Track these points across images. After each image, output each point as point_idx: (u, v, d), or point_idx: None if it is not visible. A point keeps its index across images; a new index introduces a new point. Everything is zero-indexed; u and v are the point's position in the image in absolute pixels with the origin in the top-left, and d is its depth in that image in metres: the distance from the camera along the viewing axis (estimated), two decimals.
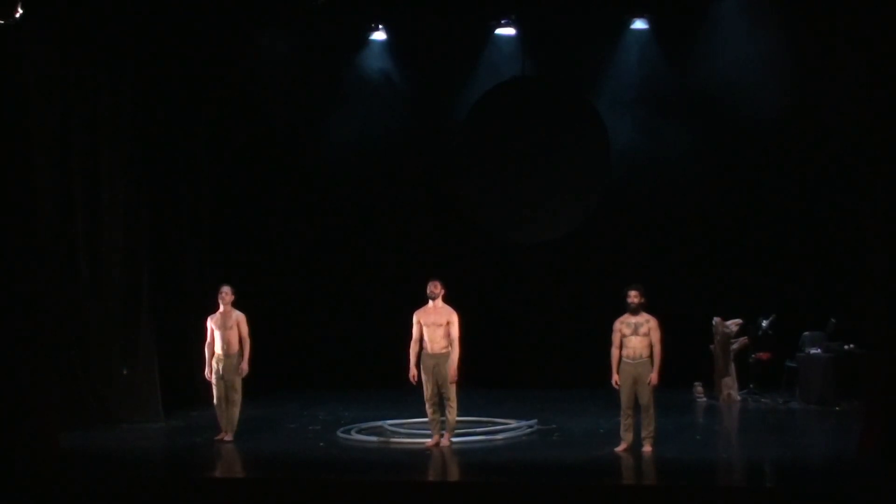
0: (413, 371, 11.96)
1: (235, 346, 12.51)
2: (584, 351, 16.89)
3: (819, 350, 14.50)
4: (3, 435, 11.31)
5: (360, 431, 12.66)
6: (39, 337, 11.84)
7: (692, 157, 16.61)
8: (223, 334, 12.53)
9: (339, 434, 12.62)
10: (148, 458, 12.13)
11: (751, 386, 15.17)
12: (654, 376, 11.38)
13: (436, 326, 11.95)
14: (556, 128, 16.98)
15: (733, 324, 15.10)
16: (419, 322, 12.02)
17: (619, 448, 11.44)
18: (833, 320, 14.69)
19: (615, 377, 11.59)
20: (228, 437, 12.51)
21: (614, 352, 11.62)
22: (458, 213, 17.28)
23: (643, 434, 11.45)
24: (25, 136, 12.08)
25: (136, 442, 12.66)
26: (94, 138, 13.80)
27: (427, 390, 11.92)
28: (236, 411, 12.59)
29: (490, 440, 12.27)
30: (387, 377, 16.92)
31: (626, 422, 11.50)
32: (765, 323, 15.16)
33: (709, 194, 16.69)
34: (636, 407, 11.48)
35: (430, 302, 12.04)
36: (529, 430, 12.73)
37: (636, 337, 11.51)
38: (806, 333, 14.82)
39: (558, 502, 9.66)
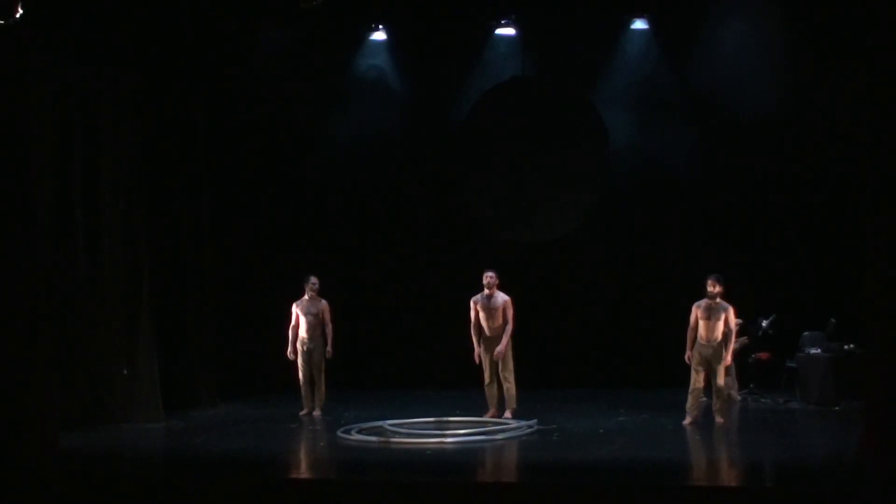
0: (478, 350, 13.39)
1: (319, 331, 14.04)
2: (584, 351, 16.97)
3: (819, 350, 14.49)
4: (3, 435, 11.32)
5: (360, 431, 12.65)
6: (39, 337, 11.85)
7: (692, 157, 16.60)
8: (308, 320, 14.01)
9: (339, 434, 12.62)
10: (148, 458, 12.13)
11: (751, 386, 15.17)
12: (727, 357, 12.93)
13: (493, 311, 13.31)
14: (556, 128, 16.96)
15: (733, 324, 15.08)
16: (476, 308, 13.37)
17: (686, 422, 12.85)
18: (833, 320, 14.68)
19: (688, 353, 12.91)
20: (317, 412, 14.03)
21: (690, 332, 12.93)
22: (457, 212, 17.28)
23: (714, 408, 13.01)
24: (25, 136, 12.10)
25: (136, 442, 12.67)
26: (94, 138, 13.79)
27: (486, 371, 13.40)
28: (323, 389, 14.14)
29: (490, 440, 12.27)
30: (387, 377, 17.00)
31: (692, 399, 12.87)
32: (765, 323, 15.14)
33: (708, 194, 16.68)
34: (706, 386, 12.97)
35: (486, 290, 13.34)
36: (529, 430, 12.72)
37: (710, 321, 12.82)
38: (806, 333, 14.81)
39: (558, 502, 9.65)
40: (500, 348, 13.26)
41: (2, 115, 11.84)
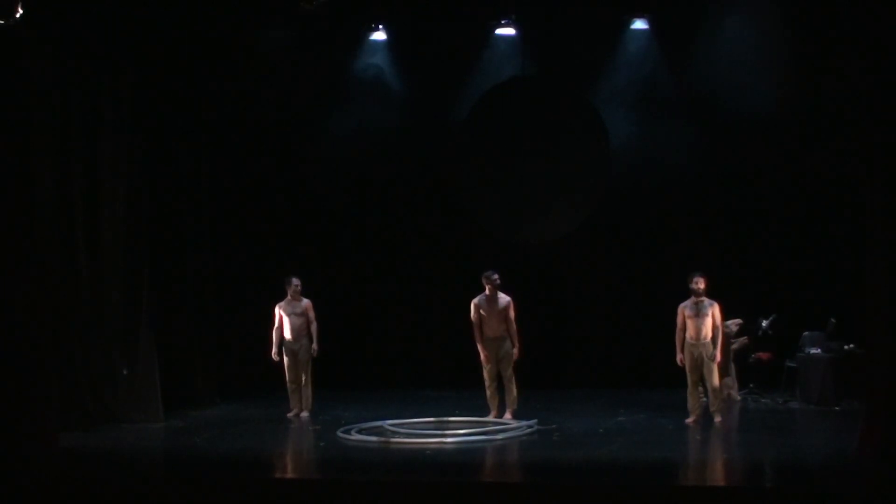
0: (484, 353, 13.32)
1: (303, 331, 13.90)
2: (584, 351, 16.97)
3: (819, 350, 14.49)
4: (3, 435, 11.32)
5: (360, 431, 12.65)
6: (39, 337, 11.85)
7: (692, 157, 16.60)
8: (292, 321, 13.91)
9: (339, 434, 12.62)
10: (148, 458, 12.13)
11: (751, 386, 15.17)
12: (716, 354, 12.73)
13: (494, 313, 13.25)
14: (556, 128, 16.96)
15: (733, 324, 15.08)
16: (477, 308, 13.30)
17: (689, 420, 12.89)
18: (833, 320, 14.68)
19: (679, 356, 12.81)
20: (304, 414, 13.95)
21: (678, 333, 12.82)
22: (457, 213, 17.27)
23: (711, 408, 12.95)
24: (25, 135, 12.10)
25: (136, 442, 12.66)
26: (94, 138, 13.79)
27: (488, 371, 13.36)
28: (309, 390, 14.02)
29: (490, 440, 12.27)
30: (387, 377, 17.00)
31: (692, 398, 12.90)
32: (765, 323, 15.15)
33: (709, 194, 16.68)
34: (701, 383, 12.90)
35: (487, 291, 13.31)
36: (529, 430, 12.72)
37: (698, 319, 12.72)
38: (806, 333, 14.81)
39: (558, 502, 9.65)
40: (515, 352, 13.28)
41: (2, 115, 11.83)
